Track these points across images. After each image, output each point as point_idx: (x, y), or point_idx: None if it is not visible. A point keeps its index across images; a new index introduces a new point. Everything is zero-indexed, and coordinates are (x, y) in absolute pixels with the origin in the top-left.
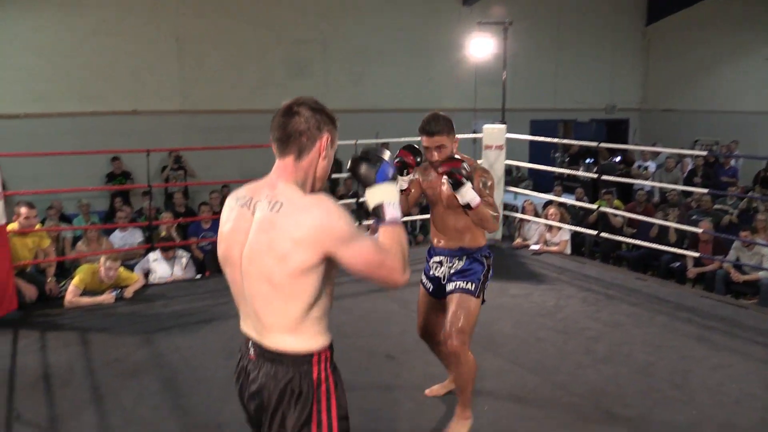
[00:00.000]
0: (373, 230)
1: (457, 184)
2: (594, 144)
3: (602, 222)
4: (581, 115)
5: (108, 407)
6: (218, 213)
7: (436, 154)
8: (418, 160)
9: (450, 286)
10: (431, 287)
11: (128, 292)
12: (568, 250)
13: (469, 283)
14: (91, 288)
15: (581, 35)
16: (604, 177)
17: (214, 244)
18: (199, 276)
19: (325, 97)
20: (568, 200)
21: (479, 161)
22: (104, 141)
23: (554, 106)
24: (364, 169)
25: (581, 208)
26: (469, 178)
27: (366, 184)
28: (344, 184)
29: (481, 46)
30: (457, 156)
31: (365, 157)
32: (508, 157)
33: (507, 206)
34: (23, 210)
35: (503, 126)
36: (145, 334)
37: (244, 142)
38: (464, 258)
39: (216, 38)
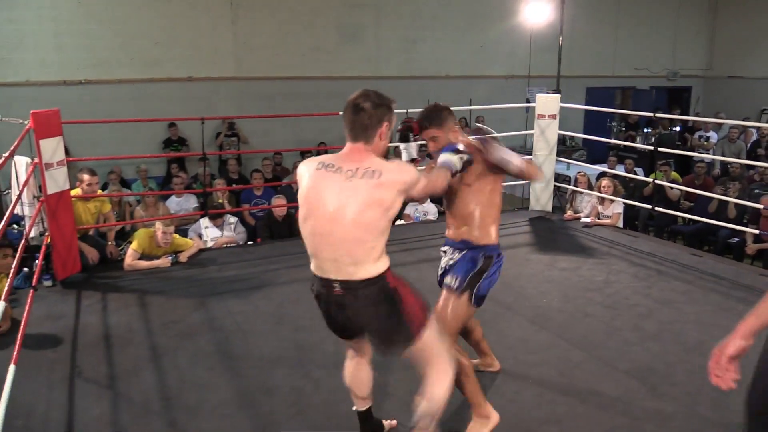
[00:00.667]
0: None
1: (404, 138)
2: (651, 114)
3: (658, 195)
4: (641, 83)
5: (165, 367)
6: (270, 180)
7: (432, 145)
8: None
9: (445, 281)
10: (438, 277)
11: (183, 257)
12: (621, 224)
13: (453, 279)
14: (148, 252)
15: None
16: (661, 149)
17: (267, 211)
18: (250, 242)
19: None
20: (621, 172)
21: (532, 131)
22: (161, 107)
23: (612, 73)
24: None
25: (633, 180)
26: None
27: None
28: (394, 152)
29: (537, 12)
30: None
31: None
32: (562, 127)
33: (559, 177)
34: (85, 177)
35: (557, 95)
36: (200, 297)
37: (297, 108)
38: (463, 252)
39: (269, 4)
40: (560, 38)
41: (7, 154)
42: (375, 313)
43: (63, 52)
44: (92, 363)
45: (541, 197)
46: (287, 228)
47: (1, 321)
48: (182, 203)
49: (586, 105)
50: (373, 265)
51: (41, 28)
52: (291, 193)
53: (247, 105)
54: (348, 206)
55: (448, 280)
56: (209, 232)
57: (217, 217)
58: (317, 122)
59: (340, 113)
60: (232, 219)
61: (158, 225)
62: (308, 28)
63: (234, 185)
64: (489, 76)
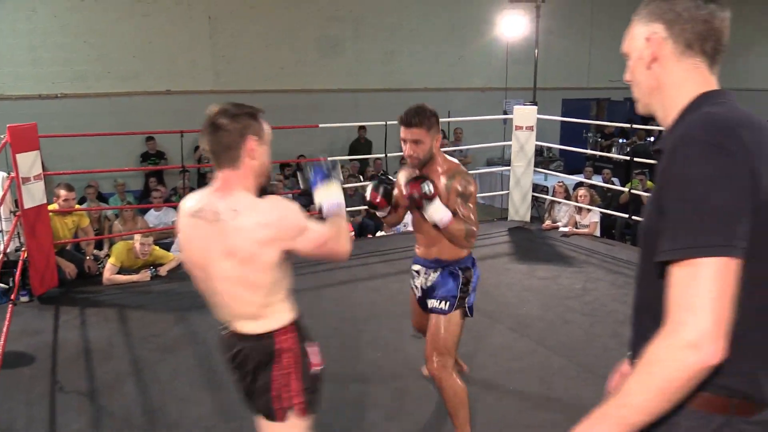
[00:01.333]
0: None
1: (421, 208)
2: (627, 125)
3: (634, 204)
4: (615, 94)
5: (146, 380)
6: None
7: (413, 148)
8: (387, 197)
9: (429, 304)
10: (416, 295)
11: (163, 270)
12: (598, 233)
13: (443, 302)
14: (127, 265)
15: (616, 11)
16: (637, 158)
17: None
18: None
19: (356, 76)
20: (598, 182)
21: (513, 143)
22: (139, 121)
23: (587, 85)
24: (302, 180)
25: (611, 189)
26: (431, 198)
27: (308, 192)
28: (374, 164)
29: (512, 25)
30: (424, 174)
31: (300, 169)
32: (539, 138)
33: (537, 187)
34: (62, 192)
35: (534, 107)
36: (180, 311)
37: (276, 121)
38: (438, 270)
39: (248, 17)
40: (536, 51)
41: None
42: (251, 375)
43: (39, 66)
44: (72, 378)
45: (520, 208)
46: None
47: None
48: (161, 217)
49: (562, 116)
50: (256, 320)
51: (16, 42)
52: None
53: None
54: (213, 261)
55: (435, 304)
56: None
57: None
58: (296, 135)
59: (319, 125)
60: None
61: (137, 237)
62: (287, 41)
63: None
64: (467, 88)
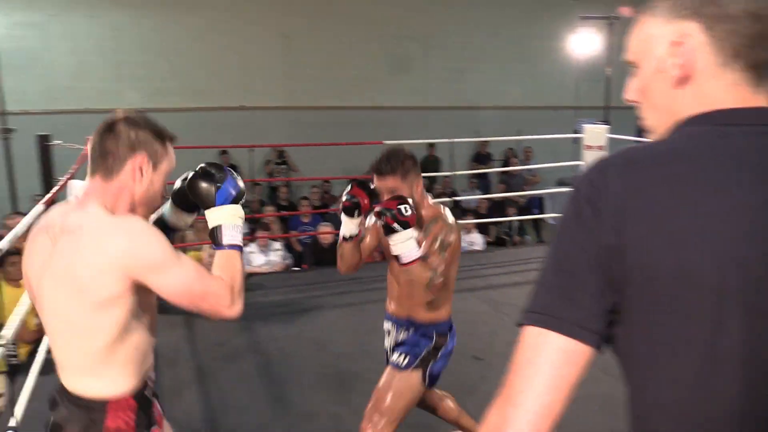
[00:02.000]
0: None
1: (388, 230)
2: None
3: None
4: None
5: (208, 388)
6: (318, 208)
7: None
8: (373, 201)
9: (389, 358)
10: (387, 359)
11: None
12: None
13: (403, 357)
14: None
15: None
16: None
17: (313, 238)
18: (296, 268)
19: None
20: None
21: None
22: (213, 135)
23: None
24: (203, 187)
25: None
26: (404, 223)
27: (205, 204)
28: (442, 182)
29: (584, 42)
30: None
31: (206, 173)
32: None
33: None
34: None
35: (605, 127)
36: (245, 321)
37: (346, 138)
38: (410, 330)
39: (320, 35)
40: (608, 69)
41: (65, 178)
42: None
43: (121, 82)
44: None
45: None
46: (332, 255)
47: None
48: None
49: (635, 136)
50: (86, 377)
51: (101, 59)
52: (338, 221)
53: (297, 133)
54: (46, 289)
55: (395, 357)
56: (254, 258)
57: (263, 238)
58: (364, 151)
59: (385, 142)
60: (277, 245)
61: (206, 248)
62: (357, 58)
63: (282, 211)
64: (536, 106)
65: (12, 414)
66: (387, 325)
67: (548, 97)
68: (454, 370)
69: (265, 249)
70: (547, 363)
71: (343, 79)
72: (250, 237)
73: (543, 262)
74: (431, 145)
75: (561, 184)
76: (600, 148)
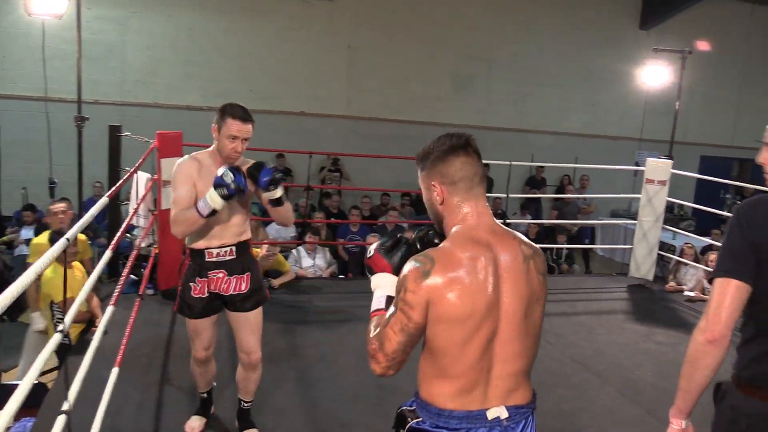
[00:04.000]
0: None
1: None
2: None
3: None
4: None
5: None
6: (367, 218)
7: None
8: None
9: None
10: None
11: (276, 283)
12: None
13: None
14: None
15: None
16: None
17: (360, 248)
18: (342, 276)
19: (485, 114)
20: None
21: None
22: (272, 139)
23: (731, 143)
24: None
25: None
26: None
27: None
28: (492, 203)
29: (654, 74)
30: None
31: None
32: (671, 194)
33: (663, 246)
34: None
35: (669, 161)
36: (288, 324)
37: (403, 151)
38: None
39: (386, 49)
40: (677, 103)
41: (133, 169)
42: None
43: (190, 80)
44: (179, 373)
45: (642, 264)
46: None
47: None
48: (281, 231)
49: (699, 174)
50: None
51: (174, 56)
52: (385, 233)
53: (354, 143)
54: None
55: None
56: (304, 261)
57: (311, 246)
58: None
59: None
60: (326, 251)
61: (264, 246)
62: (421, 74)
63: (332, 219)
64: (598, 135)
65: (66, 398)
66: None
67: (610, 127)
68: None
69: (312, 253)
70: (731, 294)
71: (405, 94)
72: (298, 242)
73: (720, 248)
74: (486, 165)
75: (615, 215)
76: (662, 182)
